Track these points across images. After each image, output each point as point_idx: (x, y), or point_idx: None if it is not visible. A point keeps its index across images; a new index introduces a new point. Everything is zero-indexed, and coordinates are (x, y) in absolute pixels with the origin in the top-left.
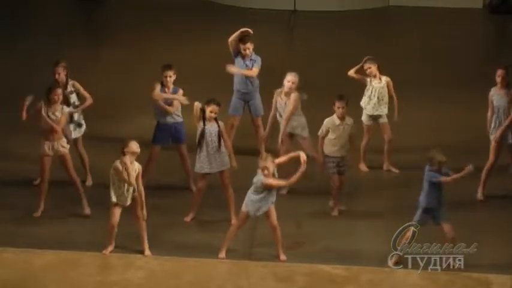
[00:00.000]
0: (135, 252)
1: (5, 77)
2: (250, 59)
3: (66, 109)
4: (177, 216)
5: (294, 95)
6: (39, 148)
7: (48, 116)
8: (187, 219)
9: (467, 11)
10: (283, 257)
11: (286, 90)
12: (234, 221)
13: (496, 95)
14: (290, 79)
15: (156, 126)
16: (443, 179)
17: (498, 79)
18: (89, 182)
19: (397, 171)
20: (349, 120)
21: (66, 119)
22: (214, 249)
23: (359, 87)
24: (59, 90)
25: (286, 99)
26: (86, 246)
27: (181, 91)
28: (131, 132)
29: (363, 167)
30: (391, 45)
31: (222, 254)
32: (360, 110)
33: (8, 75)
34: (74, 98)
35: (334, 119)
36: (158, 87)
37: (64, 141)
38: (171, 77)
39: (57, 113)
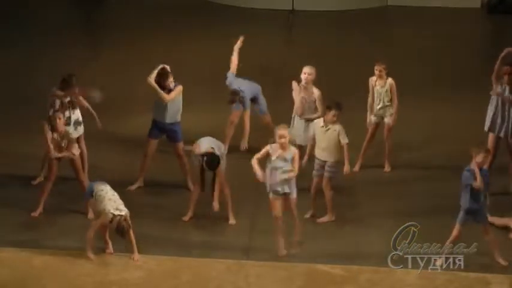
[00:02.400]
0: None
1: (5, 76)
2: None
3: (71, 135)
4: (175, 215)
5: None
6: (47, 151)
7: (57, 143)
8: (186, 218)
9: (465, 10)
10: (232, 220)
11: (303, 83)
12: (232, 220)
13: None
14: (306, 71)
15: (152, 121)
16: (474, 184)
17: (505, 77)
18: (87, 181)
19: (388, 169)
20: (335, 127)
21: (74, 142)
22: (212, 249)
23: (357, 87)
24: (59, 115)
25: (304, 92)
26: (85, 245)
27: (180, 87)
28: (131, 132)
29: (357, 166)
30: (390, 45)
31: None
32: (357, 110)
33: (8, 75)
34: (78, 114)
35: (319, 121)
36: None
37: (75, 146)
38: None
39: (64, 140)
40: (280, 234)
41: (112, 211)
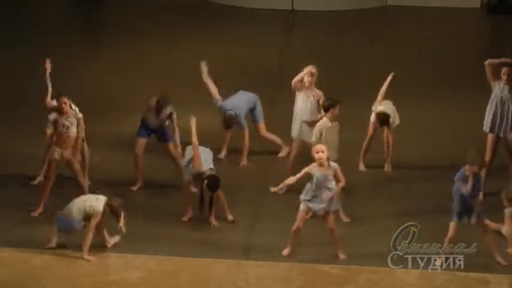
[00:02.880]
0: (133, 252)
1: (5, 76)
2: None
3: (80, 114)
4: (175, 215)
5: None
6: (48, 152)
7: (63, 124)
8: (185, 218)
9: (465, 10)
10: (230, 217)
11: (306, 84)
12: (230, 217)
13: (498, 86)
14: (307, 71)
15: (141, 119)
16: (463, 190)
17: (504, 77)
18: (86, 181)
19: (388, 169)
20: (337, 123)
21: (83, 123)
22: (212, 249)
23: (357, 87)
24: (64, 99)
25: (306, 93)
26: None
27: (175, 116)
28: (131, 132)
29: (361, 165)
30: (390, 45)
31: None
32: (356, 109)
33: (8, 75)
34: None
35: (325, 122)
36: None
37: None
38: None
39: (71, 119)
40: (295, 244)
41: (99, 205)
